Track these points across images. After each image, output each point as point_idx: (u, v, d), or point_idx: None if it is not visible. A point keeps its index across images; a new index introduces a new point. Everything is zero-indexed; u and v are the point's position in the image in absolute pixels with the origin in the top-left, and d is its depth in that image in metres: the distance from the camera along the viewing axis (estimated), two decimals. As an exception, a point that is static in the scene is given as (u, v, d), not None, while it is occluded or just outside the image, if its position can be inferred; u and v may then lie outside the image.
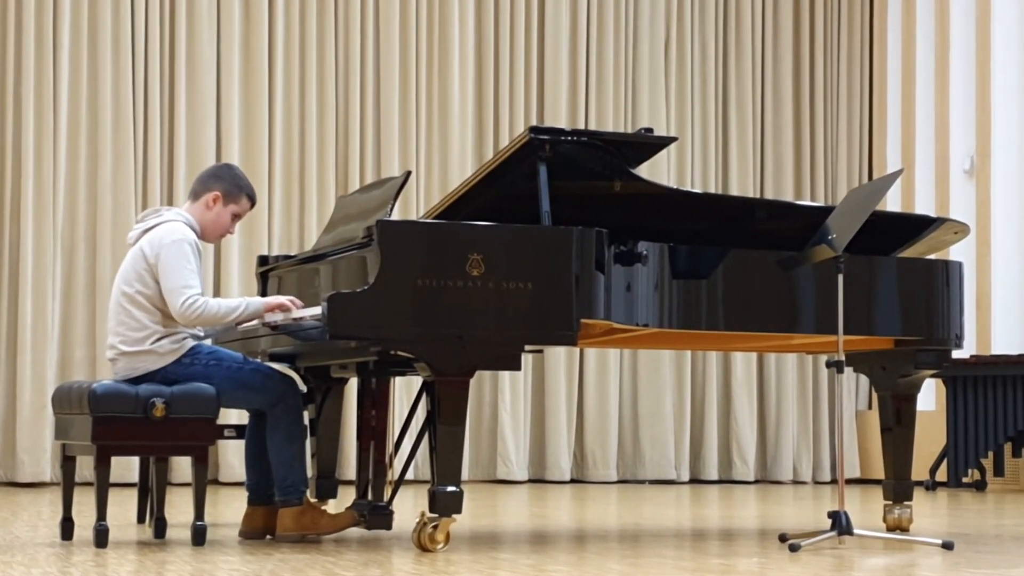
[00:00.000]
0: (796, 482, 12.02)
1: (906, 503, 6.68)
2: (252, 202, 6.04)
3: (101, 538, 5.53)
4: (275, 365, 6.10)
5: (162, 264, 5.69)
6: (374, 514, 6.01)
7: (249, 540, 5.97)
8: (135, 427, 5.54)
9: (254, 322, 5.93)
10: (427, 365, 5.46)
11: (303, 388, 6.22)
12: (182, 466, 9.69)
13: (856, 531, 5.79)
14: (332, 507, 6.38)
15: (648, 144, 6.16)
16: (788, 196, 12.13)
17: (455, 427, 5.48)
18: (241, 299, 5.80)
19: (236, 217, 6.01)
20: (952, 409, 10.62)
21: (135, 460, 7.78)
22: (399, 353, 5.50)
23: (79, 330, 10.34)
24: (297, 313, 5.74)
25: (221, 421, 6.18)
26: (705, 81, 12.13)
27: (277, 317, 5.79)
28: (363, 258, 5.60)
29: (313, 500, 6.24)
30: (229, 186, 5.96)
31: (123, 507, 7.42)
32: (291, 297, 5.88)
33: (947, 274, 6.53)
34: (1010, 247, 11.30)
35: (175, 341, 5.74)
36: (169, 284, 5.66)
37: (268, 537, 5.99)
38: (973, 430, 10.54)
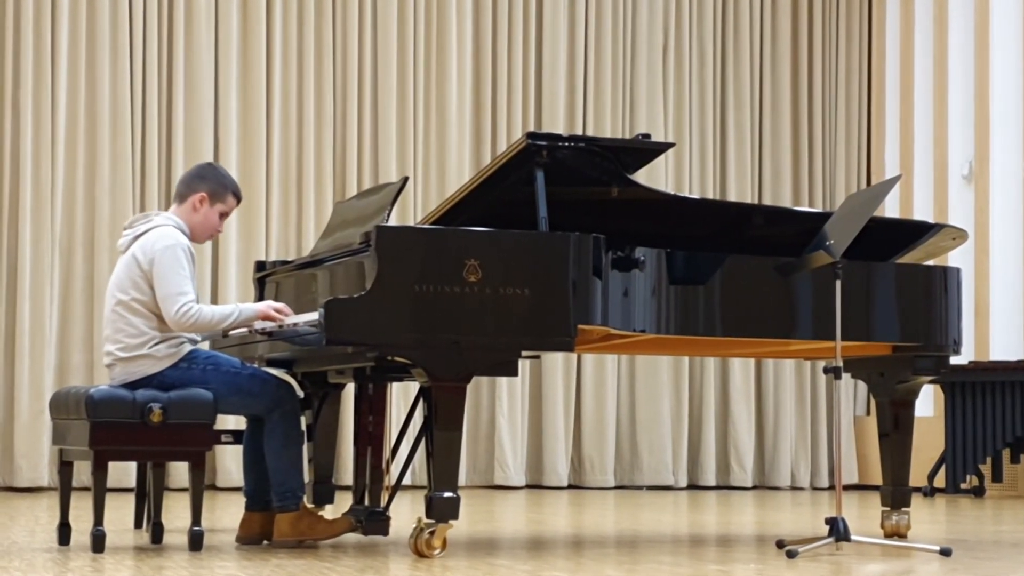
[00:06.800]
0: (794, 488, 12.01)
1: (904, 509, 6.67)
2: (238, 199, 6.03)
3: (98, 543, 5.52)
4: (272, 370, 6.10)
5: (156, 271, 5.68)
6: (371, 520, 6.01)
7: (246, 545, 5.96)
8: (132, 432, 5.54)
9: (244, 329, 5.90)
10: (424, 371, 5.45)
11: (300, 393, 6.22)
12: (179, 471, 9.66)
13: (854, 537, 5.78)
14: (329, 512, 6.38)
15: (645, 150, 6.15)
16: (786, 202, 12.13)
17: (452, 432, 5.48)
18: (234, 306, 5.79)
19: (223, 215, 5.99)
20: (950, 415, 10.62)
21: (132, 465, 7.78)
22: (396, 359, 5.49)
23: (77, 335, 10.34)
24: (290, 319, 5.73)
25: (218, 426, 6.18)
26: (703, 87, 12.12)
27: (267, 324, 5.78)
28: (360, 264, 5.60)
29: (310, 505, 6.24)
30: (214, 186, 5.95)
31: (120, 512, 7.42)
32: (282, 304, 5.88)
33: (945, 280, 6.52)
34: (1008, 253, 11.30)
35: (172, 346, 5.73)
36: (163, 291, 5.65)
37: (265, 543, 5.98)
38: (971, 436, 10.54)
